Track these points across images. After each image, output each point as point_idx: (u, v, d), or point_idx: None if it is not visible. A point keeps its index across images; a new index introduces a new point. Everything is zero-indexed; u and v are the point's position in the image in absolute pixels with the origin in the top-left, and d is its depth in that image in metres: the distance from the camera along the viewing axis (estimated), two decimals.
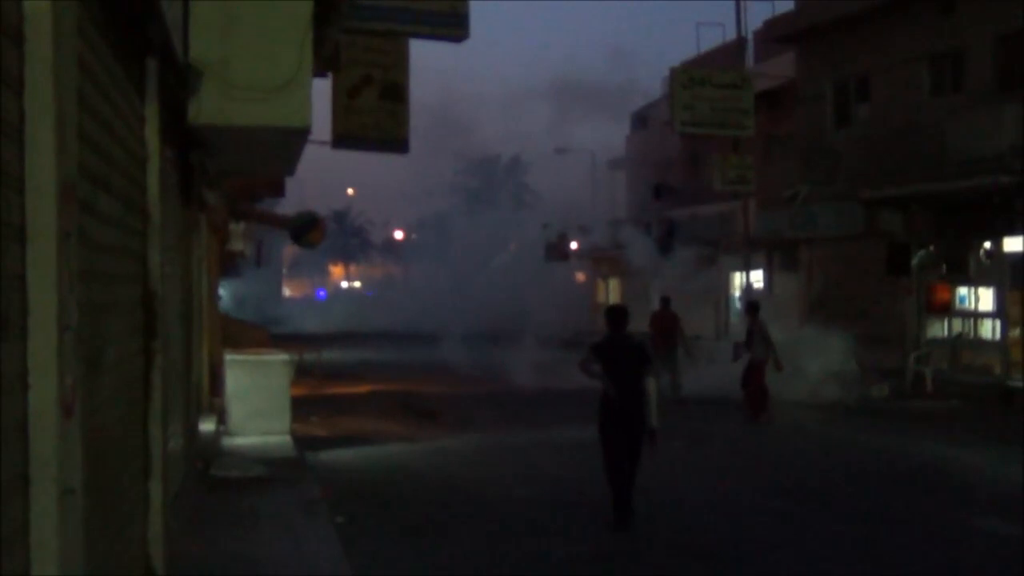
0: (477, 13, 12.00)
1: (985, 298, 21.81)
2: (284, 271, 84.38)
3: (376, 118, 16.10)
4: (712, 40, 34.13)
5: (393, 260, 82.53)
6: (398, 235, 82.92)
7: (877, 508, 10.57)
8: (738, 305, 31.82)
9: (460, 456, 13.99)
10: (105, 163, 4.56)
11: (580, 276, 45.96)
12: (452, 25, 11.94)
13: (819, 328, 22.29)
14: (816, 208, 25.60)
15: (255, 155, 10.23)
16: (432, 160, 64.41)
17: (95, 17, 4.23)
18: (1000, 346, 21.16)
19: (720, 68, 27.26)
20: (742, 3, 28.07)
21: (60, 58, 3.17)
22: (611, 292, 41.93)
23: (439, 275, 56.52)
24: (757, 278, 30.57)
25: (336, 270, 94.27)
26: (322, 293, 79.86)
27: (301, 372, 18.85)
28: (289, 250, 63.56)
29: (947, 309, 22.41)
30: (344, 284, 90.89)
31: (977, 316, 22.10)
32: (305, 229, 22.70)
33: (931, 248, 22.52)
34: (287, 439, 13.93)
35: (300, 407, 16.01)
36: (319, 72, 10.87)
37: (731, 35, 28.84)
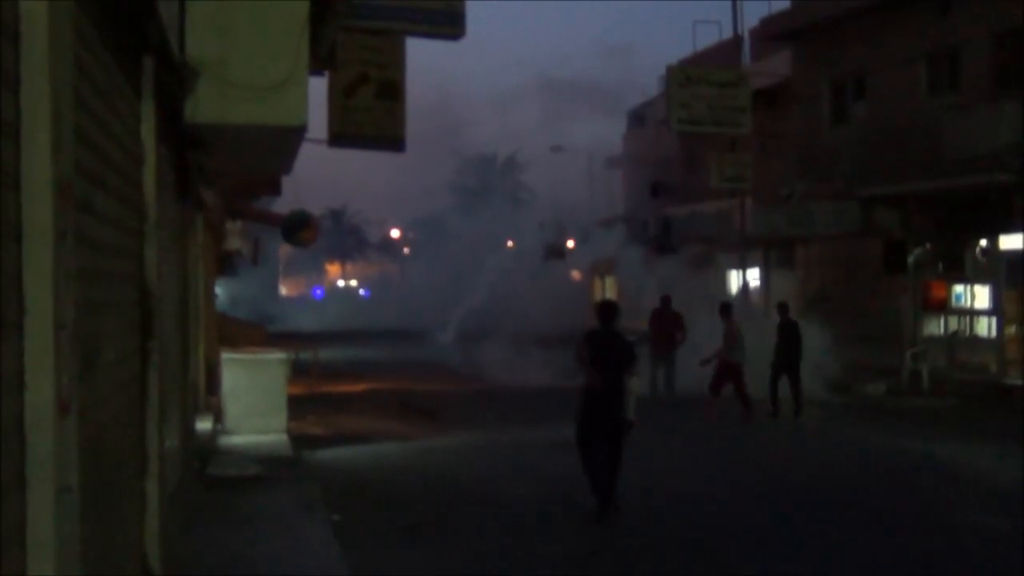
0: (473, 12, 12.01)
1: (981, 296, 21.84)
2: (281, 270, 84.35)
3: (372, 116, 16.10)
4: (709, 38, 34.08)
5: (389, 259, 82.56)
6: (394, 234, 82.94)
7: (873, 505, 10.57)
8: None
9: (457, 454, 13.99)
10: (101, 162, 4.55)
11: (576, 275, 45.97)
12: (448, 23, 11.94)
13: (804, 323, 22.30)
14: (813, 206, 25.63)
15: (251, 154, 10.22)
16: (429, 159, 64.45)
17: (91, 15, 4.23)
18: (996, 344, 21.19)
19: (717, 66, 27.26)
20: (738, 1, 28.13)
21: (56, 57, 3.16)
22: (607, 291, 41.94)
23: (436, 274, 56.50)
24: (754, 276, 30.58)
25: (332, 269, 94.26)
26: (319, 292, 79.84)
27: (298, 371, 18.84)
28: (285, 249, 63.48)
29: (943, 307, 22.44)
30: (340, 283, 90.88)
31: (973, 314, 22.13)
32: (297, 228, 22.70)
33: (927, 246, 22.56)
34: (284, 438, 13.93)
35: (297, 406, 16.02)
36: (315, 70, 10.87)
37: (727, 33, 28.82)
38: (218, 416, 14.40)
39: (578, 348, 10.29)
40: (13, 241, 2.97)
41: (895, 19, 23.59)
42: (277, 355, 15.03)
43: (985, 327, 21.75)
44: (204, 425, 13.45)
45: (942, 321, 22.80)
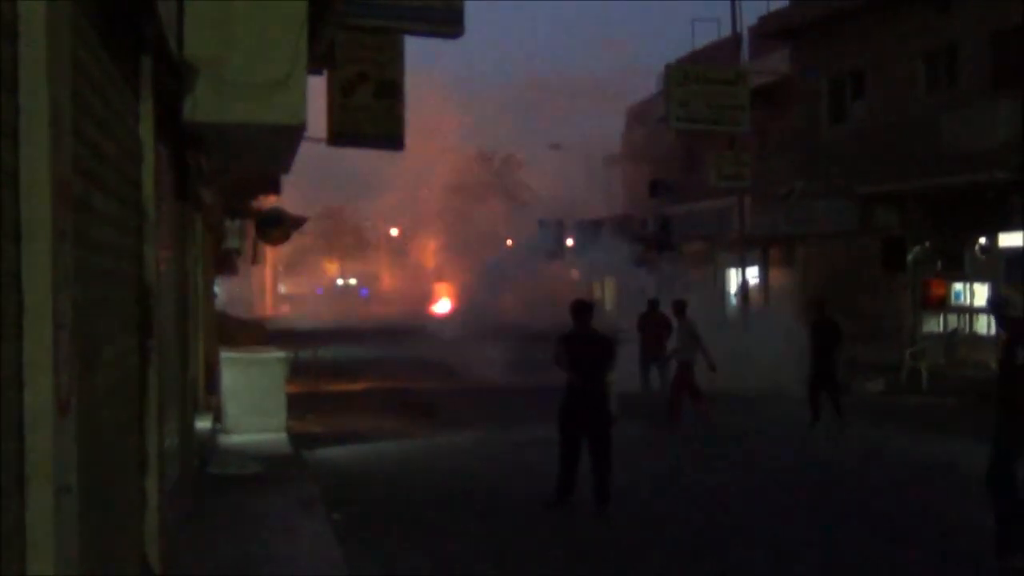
0: (471, 9, 11.99)
1: (981, 293, 21.85)
2: (280, 268, 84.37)
3: (371, 115, 16.09)
4: (707, 36, 34.07)
5: (388, 257, 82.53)
6: (393, 232, 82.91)
7: (870, 503, 10.58)
8: (734, 301, 31.86)
9: (457, 453, 13.99)
10: (100, 161, 4.55)
11: (575, 274, 45.98)
12: (447, 22, 11.93)
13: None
14: (811, 204, 25.64)
15: (250, 152, 10.22)
16: (427, 157, 64.37)
17: (90, 14, 4.22)
18: (995, 342, 21.20)
19: (715, 65, 27.27)
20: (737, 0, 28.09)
21: (55, 56, 3.16)
22: (606, 290, 41.94)
23: (435, 273, 56.55)
24: (753, 274, 30.59)
25: (331, 267, 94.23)
26: (319, 290, 79.94)
27: (297, 369, 18.84)
28: (284, 247, 63.53)
29: (943, 305, 22.46)
30: (340, 281, 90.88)
31: (973, 312, 22.15)
32: (271, 225, 22.78)
33: (927, 244, 22.57)
34: (283, 436, 13.93)
35: (296, 404, 16.01)
36: (314, 69, 10.87)
37: (726, 31, 28.81)
38: (217, 415, 14.40)
39: (555, 351, 10.38)
40: (12, 240, 2.97)
41: (894, 17, 23.61)
42: (276, 354, 15.03)
43: (984, 325, 21.77)
44: (203, 424, 13.44)
45: (941, 319, 22.81)
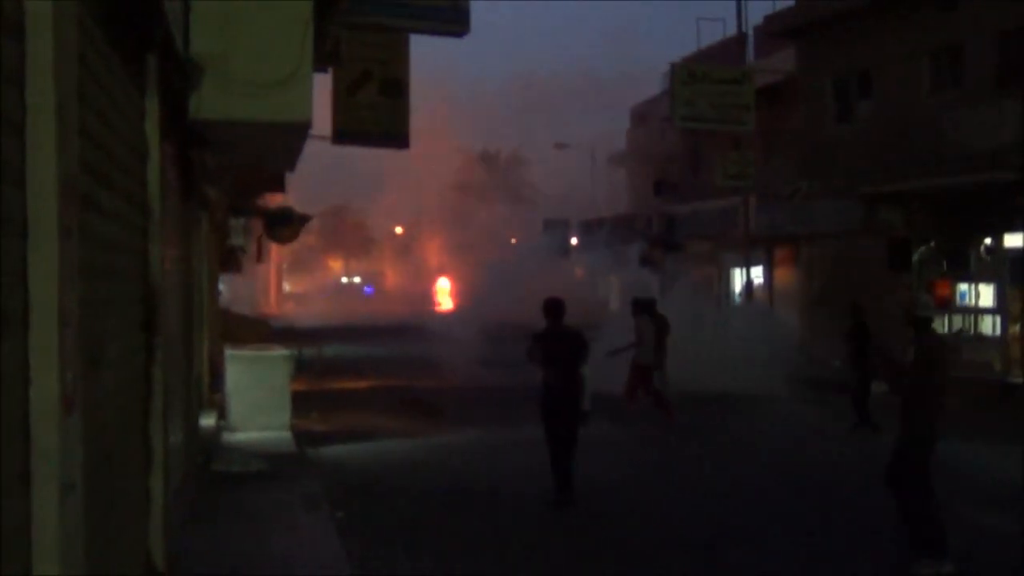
0: (476, 8, 11.99)
1: (985, 294, 21.82)
2: (285, 266, 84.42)
3: (376, 113, 16.10)
4: (713, 36, 34.22)
5: (393, 255, 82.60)
6: (398, 230, 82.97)
7: (874, 503, 10.56)
8: (738, 301, 31.82)
9: (461, 452, 13.99)
10: (106, 158, 4.55)
11: (579, 273, 45.99)
12: (452, 20, 11.94)
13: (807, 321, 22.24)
14: (816, 204, 25.60)
15: (256, 150, 10.22)
16: (432, 155, 64.38)
17: (96, 12, 4.23)
18: (1000, 342, 21.16)
19: (721, 64, 27.26)
20: None
21: (61, 54, 3.17)
22: (611, 288, 41.91)
23: (439, 271, 56.59)
24: (757, 274, 30.56)
25: (336, 265, 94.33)
26: (326, 290, 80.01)
27: (301, 367, 18.86)
28: (290, 246, 63.64)
29: (947, 305, 22.41)
30: (344, 279, 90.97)
31: (977, 312, 22.11)
32: (280, 224, 22.77)
33: (931, 244, 22.53)
34: (287, 434, 13.94)
35: (300, 402, 16.02)
36: (319, 67, 10.87)
37: (732, 30, 28.87)
38: (222, 412, 14.41)
39: (529, 348, 10.63)
40: (18, 238, 2.98)
41: (899, 16, 23.55)
42: (280, 352, 15.04)
43: (989, 325, 21.73)
44: (208, 421, 13.46)
45: (946, 319, 22.77)
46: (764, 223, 27.59)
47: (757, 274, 30.51)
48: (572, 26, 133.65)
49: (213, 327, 16.40)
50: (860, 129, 25.54)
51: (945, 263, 22.57)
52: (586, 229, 43.99)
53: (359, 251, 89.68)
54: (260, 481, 10.77)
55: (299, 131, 8.28)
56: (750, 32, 29.94)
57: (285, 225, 22.88)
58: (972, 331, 22.18)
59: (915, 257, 22.39)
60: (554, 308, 10.70)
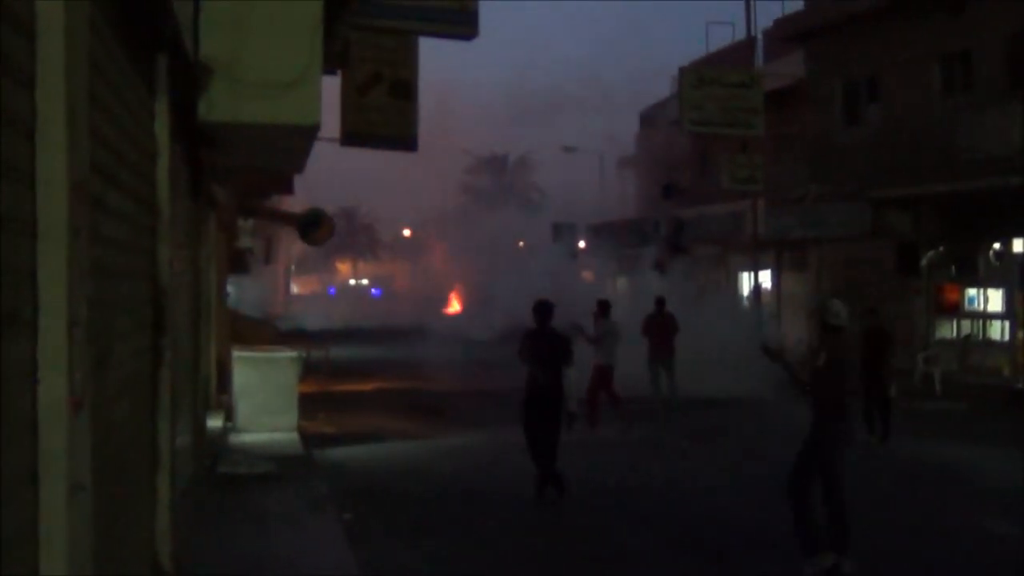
0: (485, 11, 11.97)
1: (994, 299, 21.76)
2: (292, 268, 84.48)
3: (385, 115, 16.09)
4: (722, 39, 34.03)
5: (401, 258, 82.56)
6: (406, 233, 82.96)
7: (882, 509, 10.54)
8: (746, 305, 31.75)
9: (469, 454, 13.99)
10: (116, 159, 4.56)
11: (587, 275, 45.93)
12: (461, 23, 11.92)
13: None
14: (825, 208, 25.56)
15: (264, 152, 10.23)
16: (441, 158, 64.43)
17: (106, 13, 4.24)
18: (1009, 348, 21.11)
19: (729, 67, 27.22)
20: (751, 2, 28.07)
21: (72, 55, 3.17)
22: (619, 291, 41.87)
23: (447, 273, 56.59)
24: (766, 278, 30.51)
25: (343, 267, 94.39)
26: (332, 291, 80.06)
27: (308, 369, 18.87)
28: (297, 247, 63.68)
29: (956, 310, 22.37)
30: (352, 282, 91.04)
31: (986, 317, 22.05)
32: (312, 226, 22.79)
33: (940, 249, 22.48)
34: (294, 436, 13.95)
35: (307, 404, 16.04)
36: (328, 69, 10.87)
37: (741, 34, 28.78)
38: (229, 414, 14.43)
39: (520, 347, 11.22)
40: (28, 238, 2.98)
41: (908, 20, 23.51)
42: (288, 353, 15.06)
43: (998, 331, 21.67)
44: (215, 423, 13.47)
45: (955, 324, 22.71)
46: (772, 227, 27.55)
47: (765, 278, 30.45)
48: (580, 30, 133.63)
49: (221, 328, 16.42)
50: (869, 133, 25.49)
51: (954, 268, 22.52)
52: (594, 232, 43.93)
53: (367, 253, 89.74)
54: (267, 483, 10.78)
55: (308, 133, 8.29)
56: (759, 36, 29.88)
57: (318, 227, 22.93)
58: (981, 336, 22.13)
59: (924, 262, 22.35)
60: (542, 310, 11.21)
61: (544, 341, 11.06)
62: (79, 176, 3.29)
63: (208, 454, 11.44)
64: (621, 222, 41.89)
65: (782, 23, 29.08)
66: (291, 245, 58.16)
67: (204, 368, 12.13)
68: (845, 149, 26.07)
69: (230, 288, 25.45)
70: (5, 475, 2.71)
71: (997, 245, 21.42)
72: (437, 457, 13.83)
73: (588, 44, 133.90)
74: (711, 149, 33.08)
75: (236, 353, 14.85)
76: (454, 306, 55.38)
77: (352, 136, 16.14)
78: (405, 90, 16.10)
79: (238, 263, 25.54)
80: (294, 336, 27.10)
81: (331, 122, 14.44)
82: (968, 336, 22.24)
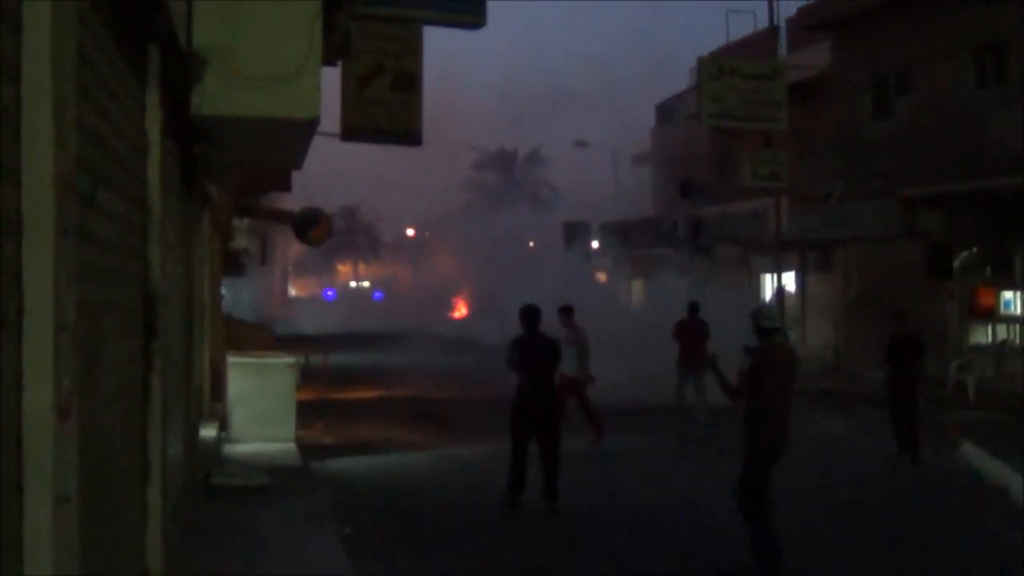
0: (495, 1, 11.96)
1: None
2: (290, 270, 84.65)
3: (388, 109, 16.10)
4: (743, 29, 34.12)
5: (404, 259, 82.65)
6: (409, 233, 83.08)
7: (911, 521, 10.53)
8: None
9: (474, 466, 14.00)
10: (105, 155, 4.58)
11: (602, 277, 45.92)
12: (468, 12, 11.92)
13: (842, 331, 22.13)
14: (852, 206, 25.52)
15: (261, 147, 10.24)
16: (446, 154, 64.50)
17: (95, 2, 4.26)
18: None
19: (751, 58, 27.20)
20: None
21: (59, 46, 3.19)
22: (634, 295, 41.88)
23: (452, 275, 56.63)
24: (789, 280, 30.48)
25: (344, 269, 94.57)
26: (331, 293, 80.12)
27: (307, 376, 18.90)
28: (295, 248, 63.83)
29: (991, 314, 22.30)
30: (352, 284, 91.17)
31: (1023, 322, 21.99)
32: (309, 225, 22.79)
33: (974, 249, 22.43)
34: (292, 446, 13.97)
35: (306, 413, 16.06)
36: (328, 60, 10.88)
37: (763, 23, 28.76)
38: (223, 423, 14.45)
39: (508, 353, 11.51)
40: (13, 238, 3.00)
41: (940, 8, 23.48)
42: (285, 359, 15.08)
43: None
44: (209, 432, 13.49)
45: (990, 329, 22.64)
46: (796, 226, 27.52)
47: (789, 280, 30.42)
48: (594, 19, 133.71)
49: (215, 333, 16.46)
50: (899, 128, 25.45)
51: (989, 269, 22.46)
52: (608, 232, 43.96)
53: (369, 255, 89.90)
54: (263, 496, 10.80)
55: (307, 128, 8.30)
56: (782, 25, 29.86)
57: (315, 226, 22.93)
58: (1018, 341, 22.06)
59: (957, 263, 22.29)
60: (529, 316, 11.51)
61: (533, 347, 11.37)
62: (66, 173, 3.31)
63: (201, 465, 11.46)
64: (636, 221, 41.92)
65: (806, 11, 29.05)
66: (288, 246, 58.34)
67: (197, 375, 12.15)
68: (873, 144, 26.03)
69: (225, 291, 25.50)
70: None
71: None
72: (443, 469, 13.84)
73: (600, 35, 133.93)
74: (731, 144, 33.07)
75: (231, 359, 14.88)
76: (460, 310, 55.45)
77: (353, 130, 16.16)
78: (409, 82, 16.11)
79: (233, 264, 25.59)
80: (292, 341, 27.17)
81: (331, 116, 14.48)
82: (1005, 341, 22.17)
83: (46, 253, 3.12)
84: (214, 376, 15.48)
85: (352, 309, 61.50)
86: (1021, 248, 21.71)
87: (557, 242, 45.42)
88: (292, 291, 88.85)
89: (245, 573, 7.99)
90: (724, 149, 34.76)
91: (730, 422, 17.36)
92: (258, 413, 14.19)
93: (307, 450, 14.03)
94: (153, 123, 6.16)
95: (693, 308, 18.20)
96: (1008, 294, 22.34)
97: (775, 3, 27.84)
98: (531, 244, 51.37)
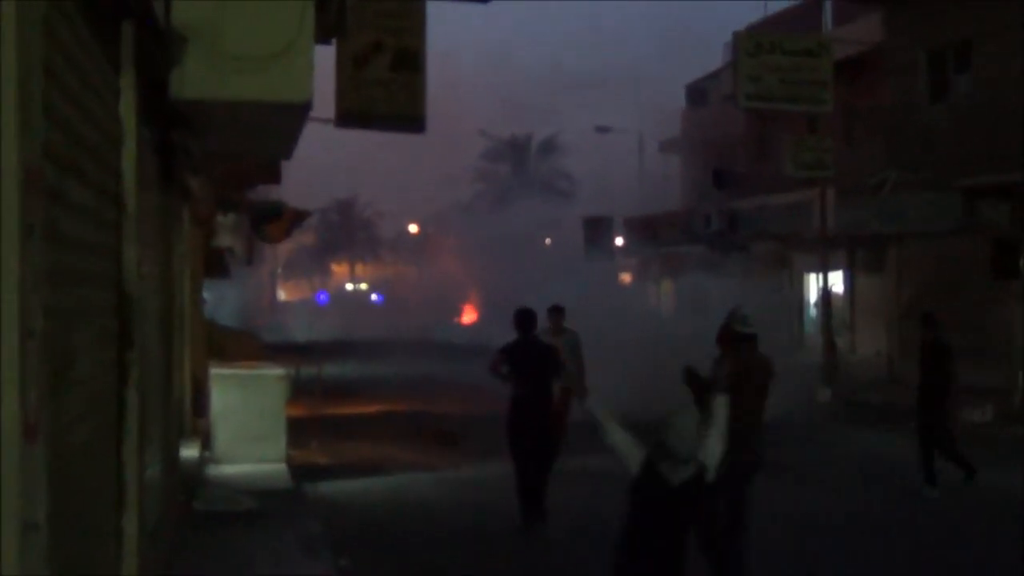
0: None
1: None
2: (279, 271, 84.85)
3: (388, 91, 16.11)
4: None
5: (406, 258, 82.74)
6: (412, 229, 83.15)
7: (965, 549, 10.50)
8: (813, 313, 31.66)
9: (483, 488, 13.99)
10: (74, 145, 4.60)
11: (626, 278, 45.91)
12: None
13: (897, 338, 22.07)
14: (906, 198, 25.44)
15: (247, 135, 10.27)
16: (453, 142, 64.55)
17: None
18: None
19: (793, 33, 27.15)
20: None
21: (25, 24, 3.20)
22: (662, 297, 41.86)
23: (460, 276, 56.69)
24: (836, 280, 30.41)
25: (339, 269, 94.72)
26: (323, 296, 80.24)
27: (299, 389, 18.91)
28: (285, 247, 64.02)
29: None
30: (349, 286, 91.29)
31: None
32: (265, 219, 22.66)
33: None
34: (282, 467, 14.00)
35: (297, 430, 16.08)
36: (322, 38, 10.91)
37: None
38: (206, 441, 14.49)
39: (493, 361, 11.63)
40: None
41: None
42: (275, 371, 15.11)
43: None
44: (190, 452, 13.53)
45: None
46: (844, 220, 27.46)
47: (836, 281, 30.35)
48: None
49: (197, 341, 16.50)
50: (959, 110, 25.37)
51: None
52: (633, 228, 43.93)
53: (367, 253, 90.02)
54: (250, 522, 10.82)
55: (297, 112, 8.32)
56: None
57: (272, 221, 22.84)
58: None
59: None
60: (524, 320, 11.63)
61: (529, 353, 11.47)
62: (32, 164, 3.32)
63: (182, 488, 11.49)
64: (665, 215, 41.91)
65: None
66: (278, 244, 58.46)
67: (177, 388, 12.19)
68: (930, 128, 25.95)
69: (207, 294, 25.57)
70: None
71: None
72: (449, 492, 13.84)
73: (623, 8, 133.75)
74: (771, 129, 33.02)
75: (214, 370, 14.92)
76: (469, 315, 55.53)
77: (349, 115, 16.18)
78: (411, 61, 16.11)
79: (216, 265, 25.63)
80: (282, 350, 27.21)
81: (325, 100, 14.51)
82: None
83: (10, 253, 3.13)
84: (196, 389, 15.52)
85: (349, 314, 61.61)
86: None
87: (576, 239, 45.41)
88: (282, 294, 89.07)
89: None
90: (762, 134, 34.70)
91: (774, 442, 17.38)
92: (244, 430, 14.21)
93: (299, 471, 14.05)
94: (128, 108, 6.18)
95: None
96: None
97: None
98: (547, 241, 51.40)
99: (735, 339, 8.75)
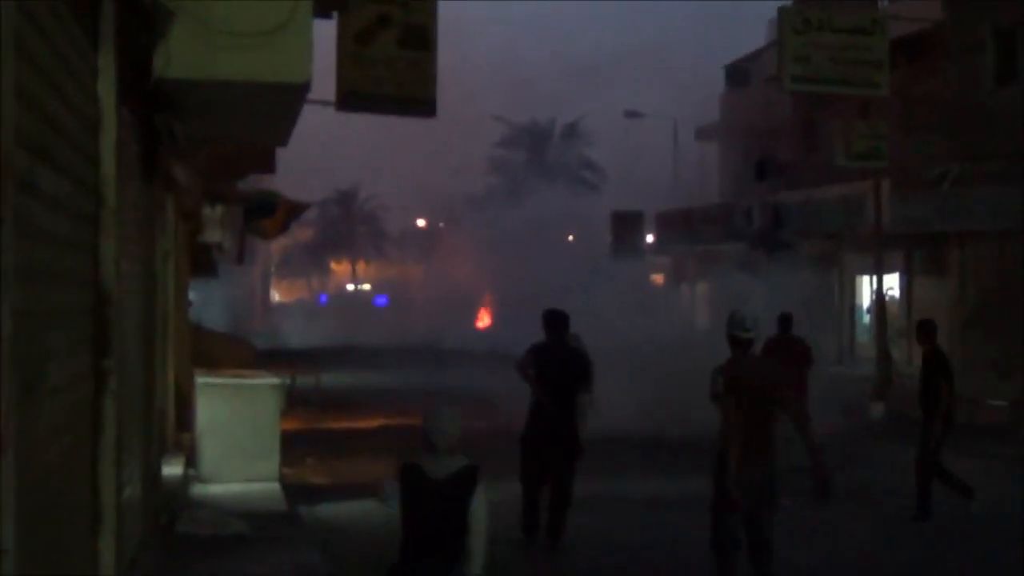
0: None
1: None
2: (273, 269, 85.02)
3: (394, 70, 16.10)
4: None
5: (413, 256, 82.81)
6: (420, 223, 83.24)
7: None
8: (866, 319, 31.57)
9: (498, 510, 13.97)
10: (48, 129, 4.61)
11: (657, 279, 45.86)
12: None
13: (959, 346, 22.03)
14: (970, 193, 25.36)
15: (239, 119, 10.31)
16: (465, 128, 64.57)
17: None
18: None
19: (844, 7, 27.07)
20: None
21: None
22: (697, 299, 41.80)
23: (472, 276, 56.68)
24: (892, 283, 30.32)
25: (339, 268, 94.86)
26: (324, 299, 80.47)
27: (294, 400, 18.95)
28: (279, 243, 64.18)
29: None
30: (350, 287, 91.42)
31: None
32: (258, 212, 22.50)
33: None
34: (275, 487, 14.02)
35: (292, 445, 16.09)
36: (322, 11, 10.94)
37: None
38: (191, 458, 14.52)
39: (521, 361, 11.64)
40: None
41: None
42: (268, 380, 15.13)
43: None
44: (173, 469, 13.56)
45: None
46: (901, 217, 27.38)
47: (891, 283, 30.26)
48: None
49: (181, 347, 16.55)
50: None
51: None
52: (666, 223, 43.90)
53: (370, 250, 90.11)
54: (239, 547, 10.84)
55: (294, 94, 8.34)
56: None
57: (268, 214, 22.78)
58: None
59: None
60: (554, 321, 11.68)
61: (555, 359, 11.46)
62: (2, 151, 3.33)
63: (164, 510, 11.53)
64: (701, 210, 41.88)
65: None
66: (271, 240, 58.60)
67: (159, 398, 12.23)
68: (997, 115, 25.86)
69: (193, 295, 25.65)
70: None
71: None
72: None
73: None
74: (820, 114, 32.94)
75: (201, 379, 14.95)
76: (484, 319, 55.56)
77: (352, 97, 16.19)
78: (420, 38, 16.11)
79: (203, 263, 25.71)
80: (275, 357, 27.28)
81: (325, 80, 14.53)
82: None
83: None
84: (180, 400, 15.56)
85: (349, 317, 61.65)
86: None
87: (601, 235, 45.39)
88: (276, 295, 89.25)
89: None
90: (810, 120, 34.63)
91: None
92: (233, 446, 14.23)
93: (294, 492, 14.07)
94: (107, 89, 6.20)
95: (784, 323, 17.20)
96: None
97: None
98: (570, 238, 51.38)
99: (731, 345, 8.81)
